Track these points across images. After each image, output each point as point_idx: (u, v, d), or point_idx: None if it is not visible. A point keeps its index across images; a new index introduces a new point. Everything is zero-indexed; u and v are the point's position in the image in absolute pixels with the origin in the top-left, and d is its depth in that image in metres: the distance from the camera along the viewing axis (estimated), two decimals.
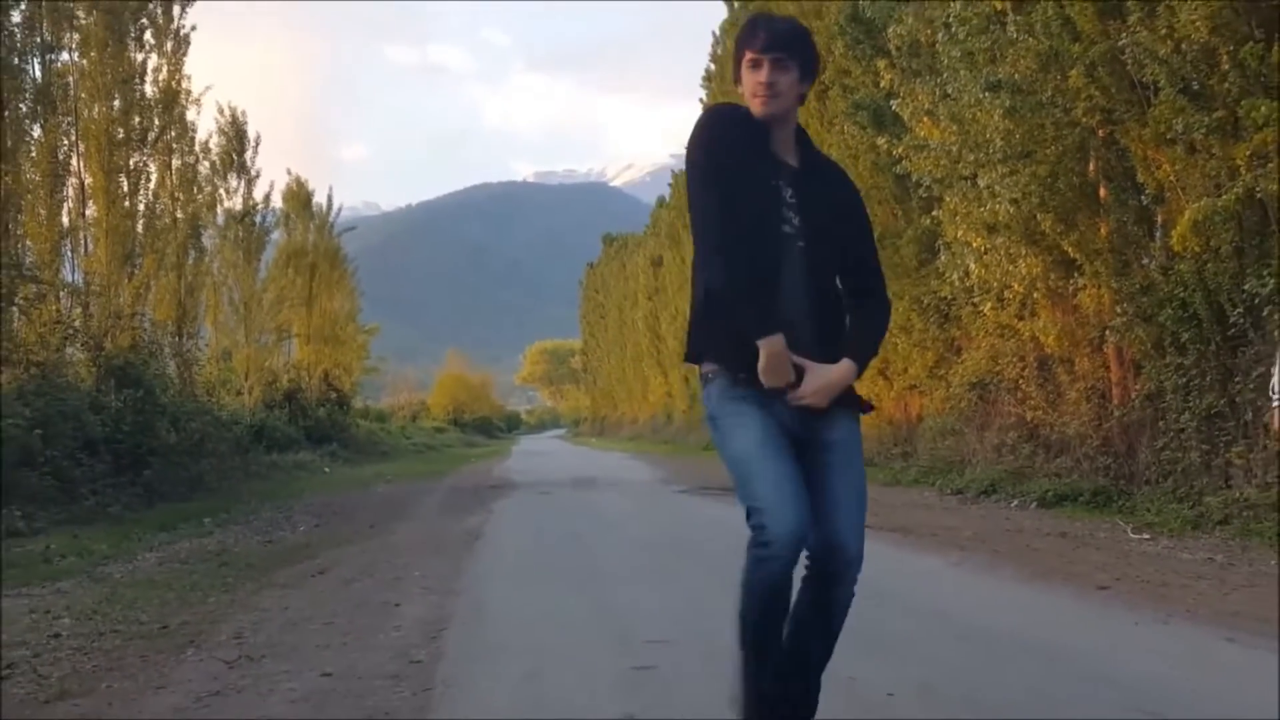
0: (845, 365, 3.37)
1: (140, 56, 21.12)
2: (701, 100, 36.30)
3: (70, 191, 18.91)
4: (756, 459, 3.32)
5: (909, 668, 4.87)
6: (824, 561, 3.38)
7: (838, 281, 3.54)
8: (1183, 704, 4.22)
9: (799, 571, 3.29)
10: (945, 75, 13.26)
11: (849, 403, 3.45)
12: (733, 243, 3.28)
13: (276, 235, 35.99)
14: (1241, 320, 10.12)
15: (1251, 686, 4.56)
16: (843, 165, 16.47)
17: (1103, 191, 12.28)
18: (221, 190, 29.36)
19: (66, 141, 18.72)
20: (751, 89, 3.37)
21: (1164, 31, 10.06)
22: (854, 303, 3.57)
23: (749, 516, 3.26)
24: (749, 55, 3.37)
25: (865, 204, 3.73)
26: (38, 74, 17.59)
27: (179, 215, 23.39)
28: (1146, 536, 9.62)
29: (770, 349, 3.24)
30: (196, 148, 24.61)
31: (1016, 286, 13.65)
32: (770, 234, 3.37)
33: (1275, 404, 5.03)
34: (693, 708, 4.14)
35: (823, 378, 3.32)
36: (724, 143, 3.37)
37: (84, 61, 19.48)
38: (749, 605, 3.31)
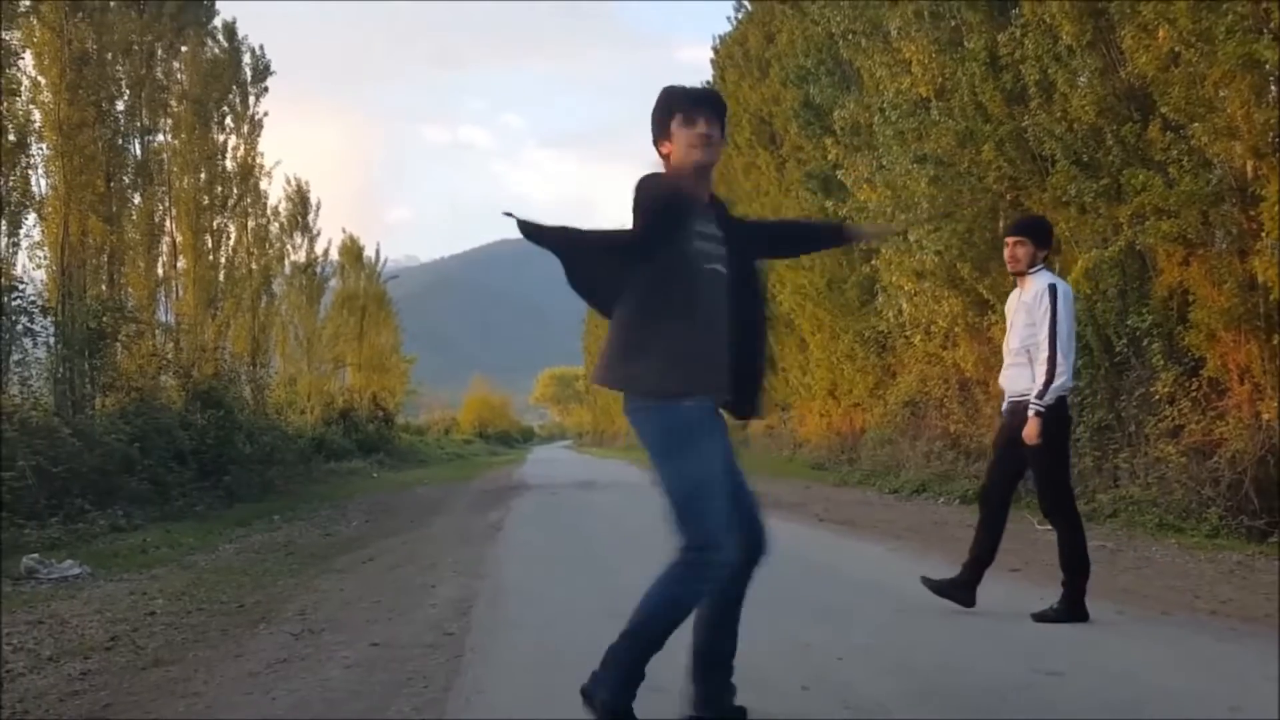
0: None
1: (222, 138, 21.40)
2: None
3: (164, 248, 19.07)
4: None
5: (855, 635, 4.87)
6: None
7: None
8: (1077, 662, 4.22)
9: None
10: (881, 150, 13.32)
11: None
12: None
13: (334, 283, 36.11)
14: (1125, 350, 10.15)
15: (1136, 649, 4.57)
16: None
17: None
18: (288, 246, 29.69)
19: (161, 207, 18.86)
20: (690, 141, 3.19)
21: (1059, 114, 10.13)
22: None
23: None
24: (681, 115, 3.21)
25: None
26: (138, 152, 17.68)
27: (253, 267, 23.59)
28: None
29: None
30: (268, 212, 24.97)
31: (941, 322, 13.69)
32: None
33: (1032, 411, 5.15)
34: (677, 670, 4.13)
35: None
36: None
37: (176, 142, 19.65)
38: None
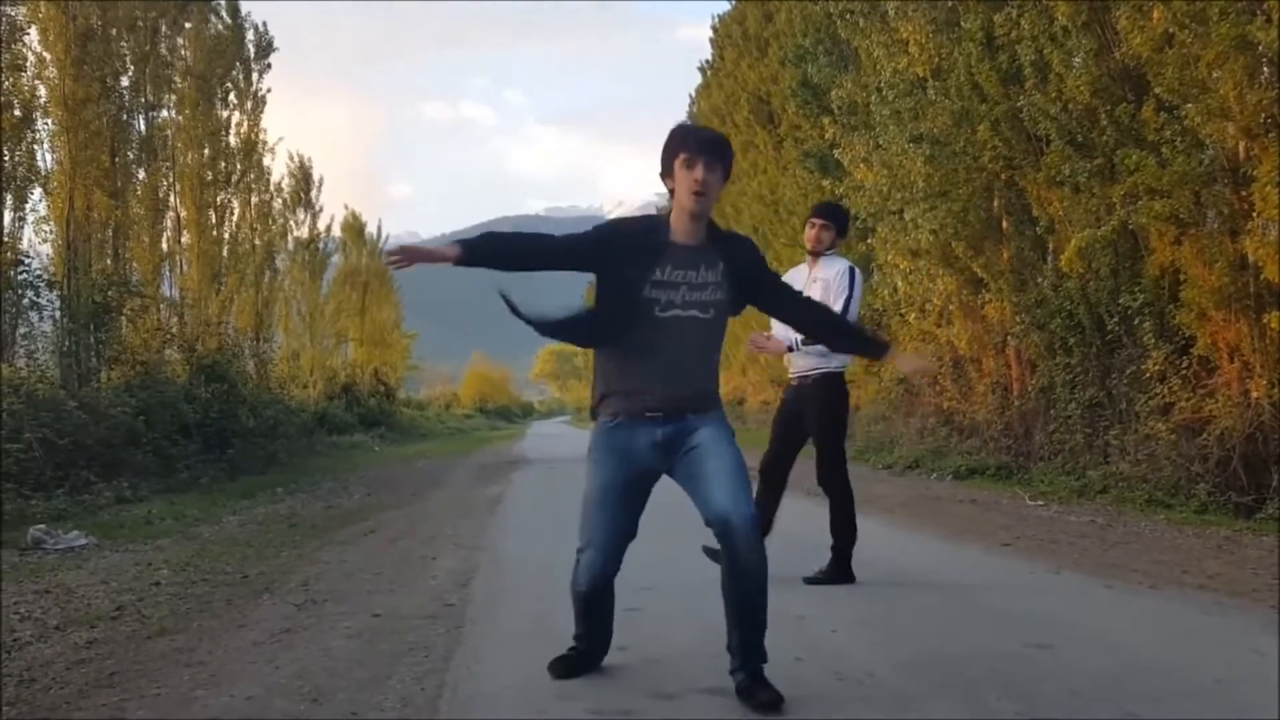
0: None
1: (225, 114, 21.23)
2: None
3: (168, 223, 18.97)
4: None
5: (849, 608, 4.88)
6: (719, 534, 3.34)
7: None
8: (1067, 635, 4.23)
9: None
10: (877, 130, 13.27)
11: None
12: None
13: (336, 259, 36.01)
14: (1117, 328, 10.15)
15: (1124, 622, 4.58)
16: (794, 203, 16.62)
17: (1005, 224, 12.31)
18: (291, 222, 29.60)
19: (165, 183, 18.76)
20: (687, 185, 3.27)
21: (1054, 94, 10.09)
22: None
23: None
24: (684, 156, 3.28)
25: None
26: (142, 128, 17.59)
27: (257, 242, 23.47)
28: (1040, 503, 9.64)
29: None
30: (271, 188, 24.76)
31: (935, 300, 13.68)
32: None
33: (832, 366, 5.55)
34: (674, 642, 4.15)
35: None
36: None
37: (180, 118, 19.52)
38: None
